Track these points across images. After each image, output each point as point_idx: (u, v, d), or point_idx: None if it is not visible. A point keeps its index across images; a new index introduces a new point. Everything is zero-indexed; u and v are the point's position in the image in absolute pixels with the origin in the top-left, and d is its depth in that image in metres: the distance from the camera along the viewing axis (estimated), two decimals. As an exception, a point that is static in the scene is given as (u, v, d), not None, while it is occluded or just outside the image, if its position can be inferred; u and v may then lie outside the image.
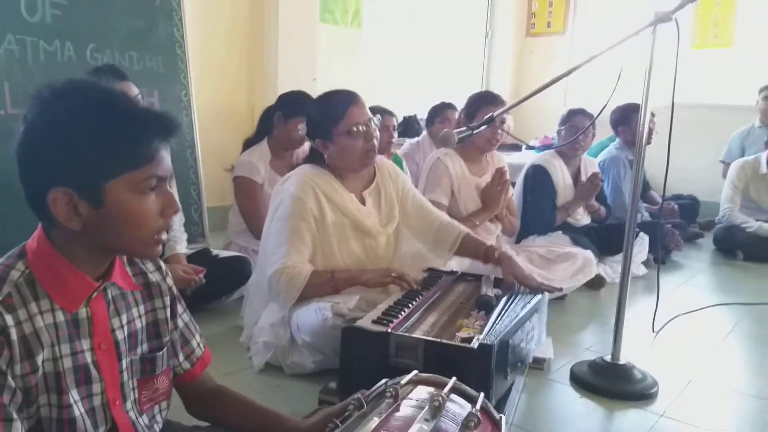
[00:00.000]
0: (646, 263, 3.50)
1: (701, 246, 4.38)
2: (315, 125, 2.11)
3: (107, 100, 0.94)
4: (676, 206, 4.32)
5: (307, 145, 3.11)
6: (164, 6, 3.25)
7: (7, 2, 2.61)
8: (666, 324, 2.56)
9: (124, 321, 1.05)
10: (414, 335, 1.61)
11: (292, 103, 2.90)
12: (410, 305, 1.82)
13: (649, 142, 3.32)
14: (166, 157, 0.97)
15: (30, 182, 0.94)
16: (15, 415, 0.87)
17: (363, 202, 2.18)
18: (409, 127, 4.99)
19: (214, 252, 2.75)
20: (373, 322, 1.69)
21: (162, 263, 1.16)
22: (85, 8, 2.88)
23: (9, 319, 0.88)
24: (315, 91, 3.08)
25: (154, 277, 1.13)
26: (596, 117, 2.49)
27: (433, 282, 2.10)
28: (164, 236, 1.00)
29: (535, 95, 2.09)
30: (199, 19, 3.48)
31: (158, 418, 1.12)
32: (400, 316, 1.73)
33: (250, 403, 1.26)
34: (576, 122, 3.28)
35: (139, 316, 1.09)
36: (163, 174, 0.97)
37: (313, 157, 2.18)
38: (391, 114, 3.43)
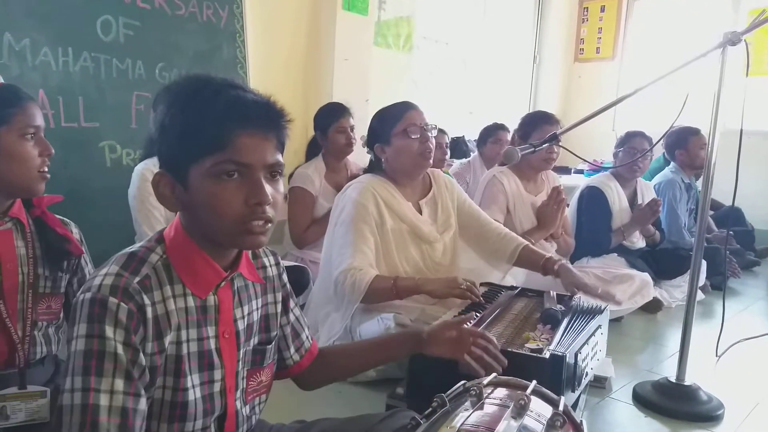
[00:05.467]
0: (703, 289, 3.43)
1: (758, 274, 4.26)
2: (374, 132, 2.17)
3: (198, 90, 0.94)
4: (731, 233, 4.22)
5: (355, 157, 3.19)
6: (228, 29, 3.39)
7: (84, 22, 2.76)
8: (728, 348, 2.50)
9: (245, 312, 1.07)
10: (483, 344, 1.62)
11: (324, 115, 3.05)
12: (475, 317, 1.83)
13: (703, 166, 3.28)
14: (254, 145, 0.93)
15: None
16: (143, 391, 0.91)
17: (420, 211, 2.22)
18: (456, 148, 5.01)
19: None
20: (441, 330, 1.70)
21: (280, 258, 1.19)
22: (156, 30, 3.04)
23: (146, 299, 0.92)
24: (367, 112, 3.16)
25: (272, 271, 1.16)
26: (659, 140, 2.47)
27: (493, 296, 2.10)
28: (257, 226, 0.94)
29: (591, 118, 2.09)
30: (260, 41, 3.60)
31: (257, 410, 1.13)
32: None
33: (359, 345, 1.42)
34: (635, 144, 3.23)
35: (257, 309, 1.11)
36: (248, 162, 0.92)
37: (372, 167, 2.24)
38: (443, 132, 3.47)
